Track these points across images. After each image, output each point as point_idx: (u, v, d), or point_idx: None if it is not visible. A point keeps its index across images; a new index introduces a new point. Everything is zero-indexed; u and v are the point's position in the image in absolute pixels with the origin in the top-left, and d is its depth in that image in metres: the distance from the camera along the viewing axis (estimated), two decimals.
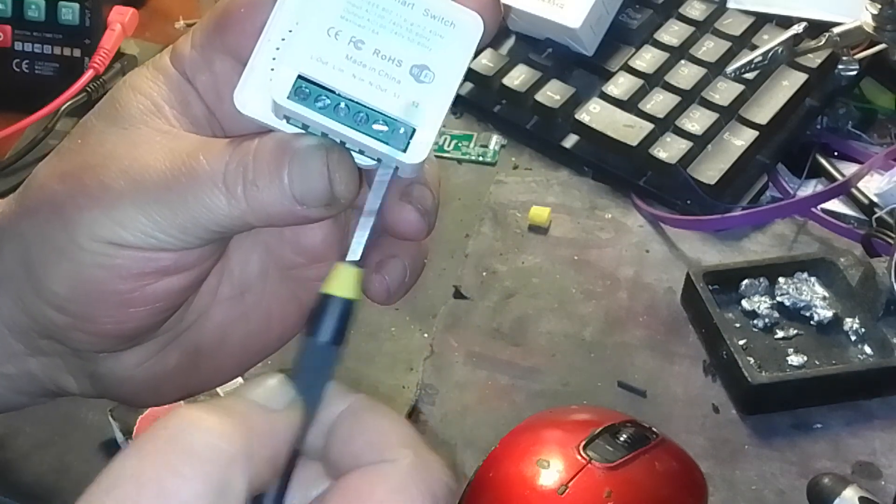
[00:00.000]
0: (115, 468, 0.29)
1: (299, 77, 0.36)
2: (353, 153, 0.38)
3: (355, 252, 0.36)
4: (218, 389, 0.62)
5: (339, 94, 0.37)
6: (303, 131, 0.38)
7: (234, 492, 0.30)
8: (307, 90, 0.36)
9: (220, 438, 0.30)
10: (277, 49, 0.37)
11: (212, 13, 0.42)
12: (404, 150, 0.37)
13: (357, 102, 0.37)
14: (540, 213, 0.80)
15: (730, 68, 0.82)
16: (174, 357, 0.46)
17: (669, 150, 0.81)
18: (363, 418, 0.34)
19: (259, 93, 0.37)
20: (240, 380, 0.62)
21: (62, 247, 0.40)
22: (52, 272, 0.41)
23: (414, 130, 0.37)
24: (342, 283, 0.35)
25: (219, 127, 0.42)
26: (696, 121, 0.82)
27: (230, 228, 0.39)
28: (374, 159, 0.38)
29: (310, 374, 0.34)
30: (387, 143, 0.37)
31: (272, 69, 0.37)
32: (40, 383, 0.46)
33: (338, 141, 0.38)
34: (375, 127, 0.37)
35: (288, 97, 0.36)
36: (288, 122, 0.38)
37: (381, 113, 0.37)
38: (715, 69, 0.85)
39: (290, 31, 0.37)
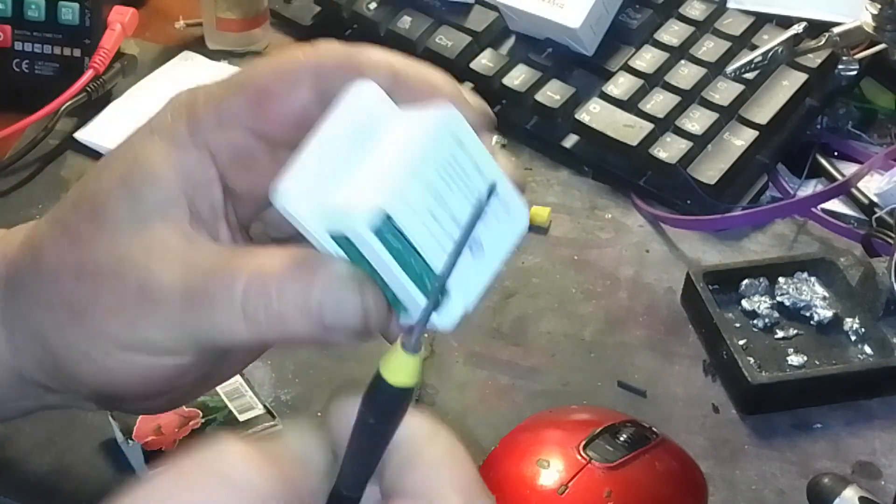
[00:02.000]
0: (154, 485, 0.30)
1: (386, 214, 0.34)
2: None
3: (416, 342, 0.33)
4: (217, 389, 0.62)
5: (413, 246, 0.35)
6: (335, 252, 0.36)
7: None
8: (386, 228, 0.34)
9: (260, 476, 0.30)
10: (345, 161, 0.36)
11: (240, 81, 0.40)
12: (438, 312, 0.36)
13: (423, 258, 0.35)
14: (540, 213, 0.80)
15: (730, 68, 0.82)
16: (190, 381, 0.45)
17: (669, 150, 0.81)
18: (422, 450, 0.34)
19: (306, 194, 0.36)
20: (239, 378, 0.63)
21: (86, 350, 0.40)
22: (78, 368, 0.41)
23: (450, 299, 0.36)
24: (399, 371, 0.33)
25: (231, 209, 0.41)
26: (696, 121, 0.82)
27: (248, 346, 0.40)
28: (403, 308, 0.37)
29: (361, 450, 0.34)
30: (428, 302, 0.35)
31: (343, 184, 0.36)
32: (53, 407, 0.47)
33: (376, 276, 0.36)
34: (424, 282, 0.35)
35: (369, 227, 0.34)
36: (335, 240, 0.36)
37: (435, 273, 0.35)
38: (715, 69, 0.85)
39: (368, 149, 0.36)
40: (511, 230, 0.37)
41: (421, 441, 0.34)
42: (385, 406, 0.33)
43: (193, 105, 0.40)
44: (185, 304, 0.38)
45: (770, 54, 0.81)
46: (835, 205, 0.82)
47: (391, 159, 0.35)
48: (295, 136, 0.39)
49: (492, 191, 0.35)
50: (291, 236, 0.41)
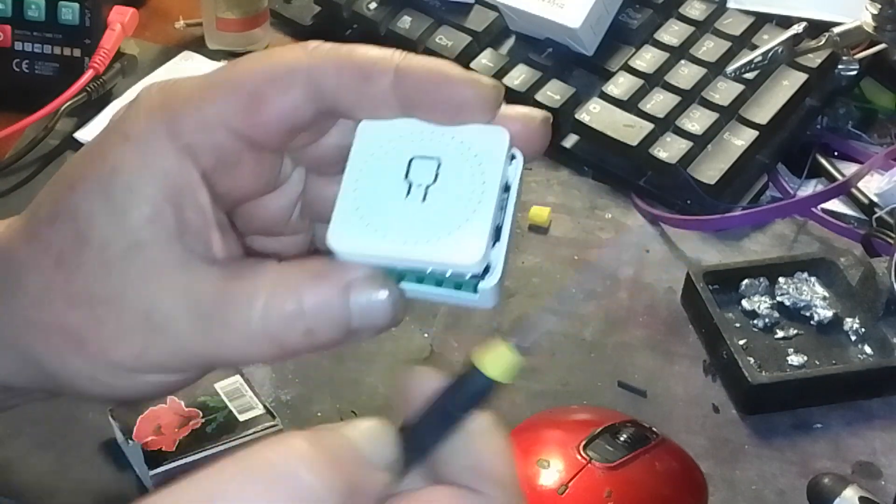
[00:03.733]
0: (218, 476, 0.30)
1: (487, 264, 0.36)
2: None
3: (525, 338, 0.35)
4: (217, 388, 0.62)
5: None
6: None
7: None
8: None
9: (322, 483, 0.30)
10: (392, 191, 0.36)
11: (226, 82, 0.37)
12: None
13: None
14: (540, 213, 0.80)
15: (730, 68, 0.82)
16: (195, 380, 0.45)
17: (669, 149, 0.81)
18: (474, 439, 0.34)
19: (360, 232, 0.36)
20: (239, 378, 0.63)
21: (90, 375, 0.39)
22: (81, 387, 0.40)
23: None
24: (503, 367, 0.34)
25: (218, 210, 0.39)
26: (696, 121, 0.82)
27: (267, 362, 0.39)
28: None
29: (428, 432, 0.34)
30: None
31: (416, 218, 0.36)
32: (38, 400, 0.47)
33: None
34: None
35: (475, 271, 0.36)
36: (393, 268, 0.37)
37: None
38: (715, 69, 0.85)
39: (420, 173, 0.37)
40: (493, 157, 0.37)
41: (477, 432, 0.34)
42: (475, 399, 0.34)
43: (170, 106, 0.37)
44: (198, 331, 0.37)
45: (770, 54, 0.81)
46: (835, 205, 0.82)
47: (469, 198, 0.36)
48: (285, 140, 0.38)
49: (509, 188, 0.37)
50: (271, 228, 0.41)
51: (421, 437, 0.34)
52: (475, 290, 0.36)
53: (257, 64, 0.37)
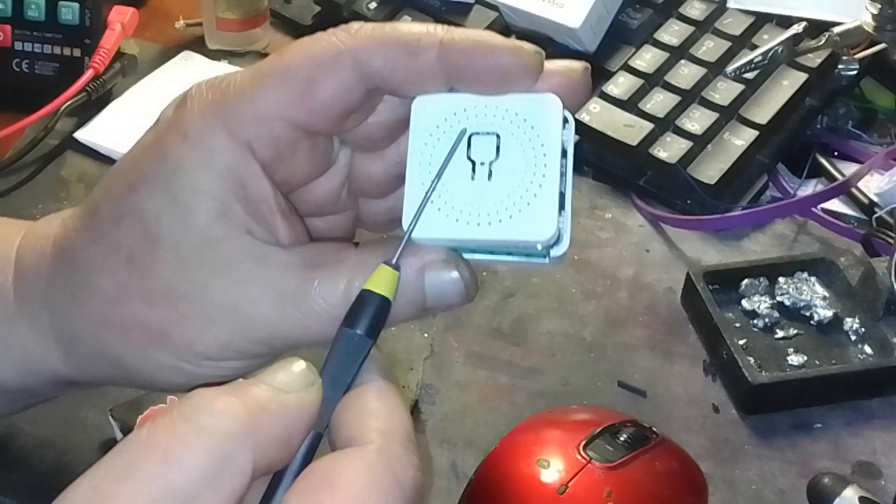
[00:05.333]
0: (132, 436, 0.31)
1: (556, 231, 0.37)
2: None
3: (396, 255, 0.37)
4: None
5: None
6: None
7: (236, 464, 0.31)
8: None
9: (227, 416, 0.31)
10: (460, 173, 0.37)
11: (276, 72, 0.38)
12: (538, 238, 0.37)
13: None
14: None
15: (730, 68, 0.82)
16: None
17: (669, 149, 0.81)
18: (360, 402, 0.35)
19: (435, 217, 0.37)
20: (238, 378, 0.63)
21: (173, 365, 0.40)
22: (159, 377, 0.41)
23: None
24: (383, 282, 0.36)
25: (280, 196, 0.40)
26: (696, 120, 0.82)
27: None
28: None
29: (339, 363, 0.36)
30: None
31: (488, 196, 0.37)
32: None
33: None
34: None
35: (544, 244, 0.37)
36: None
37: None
38: (715, 69, 0.85)
39: (482, 151, 0.37)
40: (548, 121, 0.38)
41: (365, 395, 0.35)
42: (368, 318, 0.36)
43: (224, 102, 0.38)
44: (284, 318, 0.38)
45: (770, 54, 0.81)
46: (835, 205, 0.82)
47: (534, 172, 0.37)
48: (340, 123, 0.39)
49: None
50: (321, 209, 0.42)
51: (336, 366, 0.36)
52: (546, 257, 0.38)
53: (304, 51, 0.38)
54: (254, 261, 0.38)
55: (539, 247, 0.37)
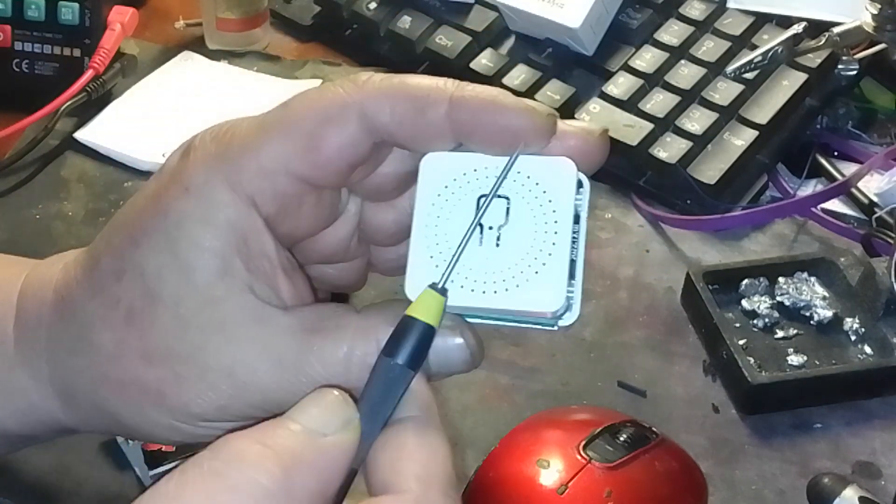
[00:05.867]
0: (159, 489, 0.30)
1: (566, 300, 0.36)
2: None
3: (443, 279, 0.35)
4: None
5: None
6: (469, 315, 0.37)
7: None
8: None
9: (261, 472, 0.30)
10: (457, 235, 0.36)
11: (280, 124, 0.37)
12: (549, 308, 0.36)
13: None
14: None
15: (730, 68, 0.82)
16: None
17: (669, 149, 0.81)
18: (398, 442, 0.34)
19: (428, 280, 0.36)
20: None
21: (169, 424, 0.39)
22: (155, 434, 0.40)
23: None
24: (427, 308, 0.35)
25: (282, 253, 0.39)
26: (696, 121, 0.82)
27: None
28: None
29: (377, 395, 0.34)
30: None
31: (489, 264, 0.36)
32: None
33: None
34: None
35: (554, 314, 0.36)
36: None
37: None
38: (715, 69, 0.85)
39: (493, 215, 0.36)
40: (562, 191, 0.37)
41: (404, 432, 0.34)
42: (412, 347, 0.34)
43: (227, 155, 0.37)
44: (279, 383, 0.37)
45: (770, 54, 0.81)
46: (835, 205, 0.82)
47: (544, 240, 0.36)
48: (346, 177, 0.37)
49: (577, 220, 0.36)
50: (330, 258, 0.41)
51: (376, 397, 0.34)
52: (555, 326, 0.37)
53: (310, 103, 0.37)
54: (253, 321, 0.37)
55: (549, 316, 0.36)
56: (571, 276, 0.36)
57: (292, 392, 0.36)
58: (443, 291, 0.35)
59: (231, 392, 0.38)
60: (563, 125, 0.37)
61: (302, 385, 0.37)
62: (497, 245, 0.36)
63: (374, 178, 0.39)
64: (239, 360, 0.37)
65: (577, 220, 0.36)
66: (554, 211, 0.36)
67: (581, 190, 0.36)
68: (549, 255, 0.35)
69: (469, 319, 0.37)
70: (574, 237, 0.36)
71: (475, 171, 0.36)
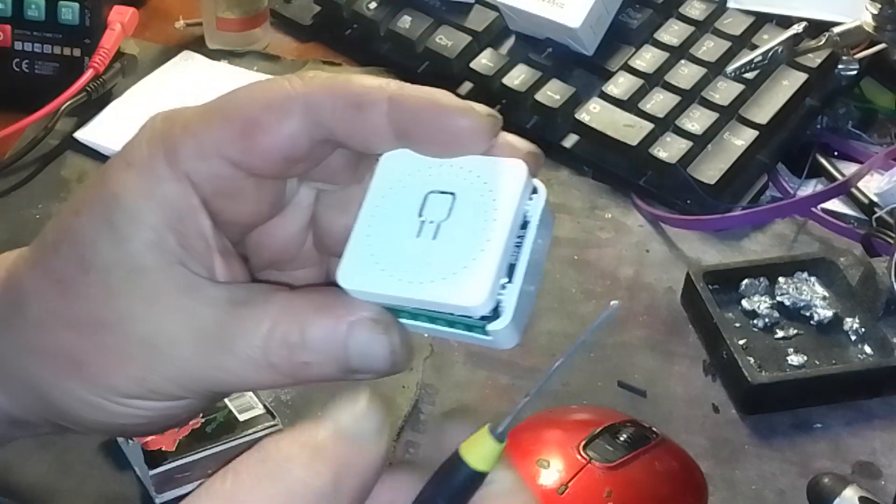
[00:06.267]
0: (214, 488, 0.31)
1: (497, 304, 0.35)
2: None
3: (504, 424, 0.34)
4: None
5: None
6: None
7: None
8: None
9: (314, 478, 0.31)
10: (407, 231, 0.36)
11: (222, 110, 0.37)
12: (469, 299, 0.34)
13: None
14: None
15: (730, 68, 0.82)
16: (195, 410, 0.45)
17: (669, 149, 0.81)
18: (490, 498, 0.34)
19: (371, 270, 0.35)
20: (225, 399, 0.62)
21: (88, 400, 0.39)
22: (80, 414, 0.40)
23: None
24: (485, 455, 0.34)
25: (222, 237, 0.39)
26: (696, 120, 0.82)
27: (265, 389, 0.38)
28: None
29: None
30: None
31: (430, 257, 0.35)
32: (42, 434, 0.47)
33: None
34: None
35: (482, 312, 0.35)
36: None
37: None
38: (715, 69, 0.85)
39: (433, 211, 0.35)
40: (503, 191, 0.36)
41: (496, 496, 0.34)
42: (463, 491, 0.34)
43: (170, 134, 0.37)
44: (199, 355, 0.36)
45: (770, 54, 0.81)
46: (835, 205, 0.82)
47: (479, 236, 0.35)
48: (282, 168, 0.37)
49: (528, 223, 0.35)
50: (282, 257, 0.41)
51: None
52: (486, 332, 0.35)
53: (254, 91, 0.37)
54: (180, 291, 0.37)
55: (476, 316, 0.34)
56: (509, 278, 0.35)
57: (213, 367, 0.36)
58: (501, 437, 0.34)
59: (150, 363, 0.37)
60: (508, 138, 0.36)
61: (222, 359, 0.36)
62: (434, 238, 0.35)
63: (325, 167, 0.39)
64: (160, 329, 0.37)
65: (524, 225, 0.35)
66: (495, 209, 0.35)
67: (534, 196, 0.35)
68: (482, 251, 0.34)
69: (405, 322, 0.36)
70: (518, 241, 0.35)
71: (430, 168, 0.36)
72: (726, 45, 0.87)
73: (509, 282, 0.35)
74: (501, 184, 0.35)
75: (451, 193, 0.35)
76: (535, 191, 0.35)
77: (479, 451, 0.34)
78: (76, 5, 0.86)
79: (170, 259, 0.37)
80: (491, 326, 0.35)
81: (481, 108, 0.36)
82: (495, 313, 0.35)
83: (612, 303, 0.34)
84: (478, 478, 0.34)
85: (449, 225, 0.35)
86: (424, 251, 0.35)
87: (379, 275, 0.35)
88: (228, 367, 0.36)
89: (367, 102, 0.36)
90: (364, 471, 0.32)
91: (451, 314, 0.35)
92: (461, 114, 0.35)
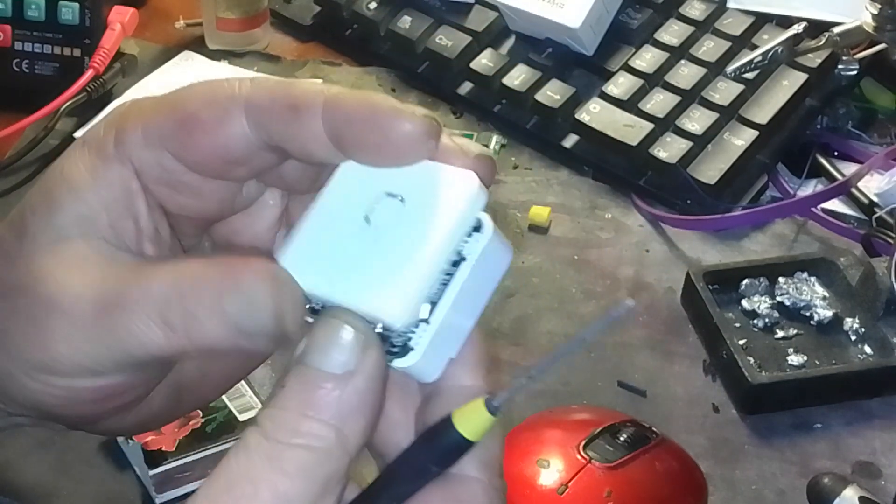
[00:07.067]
0: (231, 468, 0.33)
1: (417, 318, 0.34)
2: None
3: (501, 398, 0.33)
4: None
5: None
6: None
7: (337, 487, 0.32)
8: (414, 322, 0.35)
9: (316, 441, 0.32)
10: (352, 236, 0.35)
11: (170, 102, 0.37)
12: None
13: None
14: (540, 213, 0.80)
15: (730, 68, 0.82)
16: (157, 401, 0.44)
17: (669, 149, 0.81)
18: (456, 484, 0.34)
19: (311, 265, 0.35)
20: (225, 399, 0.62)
21: (9, 372, 0.38)
22: (8, 390, 0.39)
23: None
24: (476, 426, 0.33)
25: (164, 226, 0.39)
26: (696, 120, 0.82)
27: (169, 357, 0.37)
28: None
29: (401, 483, 0.34)
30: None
31: (362, 264, 0.34)
32: (21, 425, 0.46)
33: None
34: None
35: (402, 325, 0.33)
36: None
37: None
38: (715, 69, 0.85)
39: (384, 221, 0.34)
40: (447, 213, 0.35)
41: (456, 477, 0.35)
42: (449, 456, 0.34)
43: (125, 120, 0.38)
44: (98, 313, 0.36)
45: (770, 54, 0.81)
46: (835, 205, 0.82)
47: (411, 249, 0.34)
48: (221, 168, 0.37)
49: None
50: (250, 254, 0.40)
51: (394, 487, 0.34)
52: (391, 362, 0.34)
53: (202, 89, 0.37)
54: (95, 261, 0.37)
55: (391, 338, 0.33)
56: (427, 317, 0.33)
57: (112, 326, 0.35)
58: (494, 410, 0.33)
59: (52, 323, 0.36)
60: (465, 144, 0.36)
61: (119, 318, 0.35)
62: (374, 243, 0.34)
63: (285, 171, 0.39)
64: (66, 288, 0.36)
65: (458, 261, 0.34)
66: (434, 222, 0.33)
67: (478, 234, 0.34)
68: (410, 261, 0.33)
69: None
70: (449, 273, 0.33)
71: (387, 172, 0.35)
72: (726, 45, 0.87)
73: (427, 322, 0.33)
74: (447, 197, 0.34)
75: (402, 199, 0.34)
76: (478, 228, 0.34)
77: (471, 420, 0.33)
78: (76, 5, 0.86)
79: (96, 234, 0.37)
80: (396, 362, 0.34)
81: (420, 110, 0.35)
82: (404, 350, 0.34)
83: (627, 301, 0.33)
84: (465, 446, 0.33)
85: (390, 232, 0.34)
86: (360, 254, 0.34)
87: (311, 269, 0.34)
88: (127, 326, 0.35)
89: (303, 105, 0.35)
90: (367, 404, 0.33)
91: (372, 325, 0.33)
92: (396, 116, 0.34)
